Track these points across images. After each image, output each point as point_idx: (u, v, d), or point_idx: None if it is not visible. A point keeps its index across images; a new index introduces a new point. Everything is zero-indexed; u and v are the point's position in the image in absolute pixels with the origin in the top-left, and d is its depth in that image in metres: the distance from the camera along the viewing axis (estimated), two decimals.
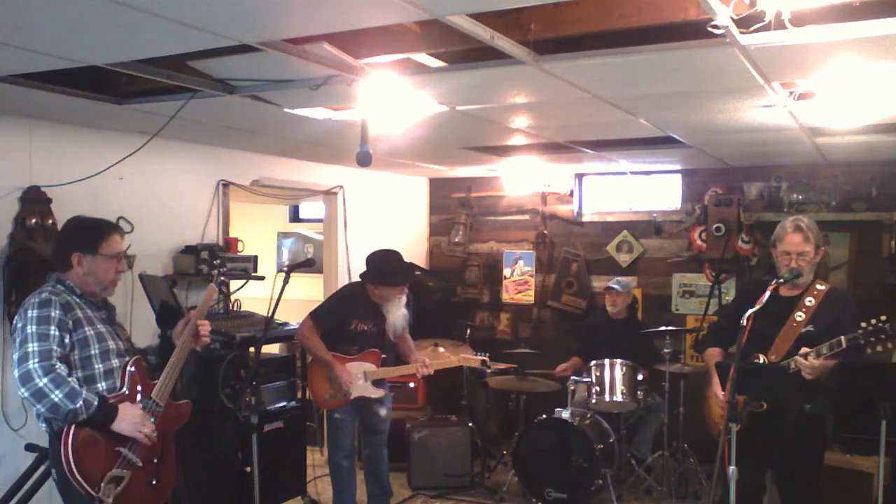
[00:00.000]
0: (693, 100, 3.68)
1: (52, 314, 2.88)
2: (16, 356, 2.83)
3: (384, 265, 4.66)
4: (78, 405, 2.80)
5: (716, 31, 2.46)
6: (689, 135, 4.75)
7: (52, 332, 2.85)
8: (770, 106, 3.73)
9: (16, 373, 2.81)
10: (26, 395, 2.79)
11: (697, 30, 2.53)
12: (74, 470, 2.81)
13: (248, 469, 4.04)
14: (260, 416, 3.68)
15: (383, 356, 4.76)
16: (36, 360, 2.78)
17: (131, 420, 2.93)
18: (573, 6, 2.61)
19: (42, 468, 3.59)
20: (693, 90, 3.46)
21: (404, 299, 4.73)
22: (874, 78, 3.17)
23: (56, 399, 2.76)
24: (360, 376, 4.65)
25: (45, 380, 2.77)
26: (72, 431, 2.83)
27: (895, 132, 4.53)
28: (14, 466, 3.88)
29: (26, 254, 3.97)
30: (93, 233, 3.07)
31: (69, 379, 2.83)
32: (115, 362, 3.04)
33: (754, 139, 4.80)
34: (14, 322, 2.92)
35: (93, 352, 2.97)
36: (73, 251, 3.01)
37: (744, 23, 2.44)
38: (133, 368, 3.06)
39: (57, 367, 2.81)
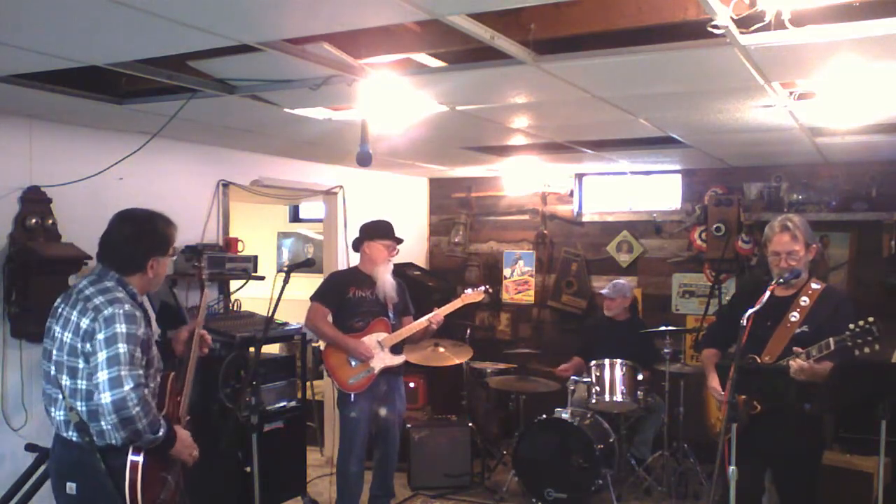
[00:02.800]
0: (693, 100, 3.68)
1: (139, 332, 2.69)
2: (105, 376, 2.60)
3: (377, 225, 4.87)
4: (160, 434, 2.69)
5: (716, 31, 2.46)
6: (689, 135, 4.75)
7: (137, 354, 2.67)
8: (770, 106, 3.73)
9: (107, 397, 2.59)
10: (115, 420, 2.60)
11: (697, 30, 2.53)
12: (139, 496, 2.69)
13: (248, 469, 4.03)
14: (260, 416, 3.67)
15: (392, 323, 4.79)
16: (130, 384, 2.60)
17: (187, 443, 2.89)
18: (573, 6, 2.61)
19: (42, 468, 3.59)
20: (693, 90, 3.46)
21: (391, 266, 4.82)
22: (874, 78, 3.16)
23: (140, 427, 2.63)
24: (376, 347, 4.66)
25: (137, 408, 2.61)
26: (142, 456, 2.71)
27: (895, 132, 4.53)
28: (14, 466, 3.88)
29: (26, 254, 3.97)
30: (167, 234, 2.92)
31: (153, 405, 2.69)
32: (158, 379, 2.92)
33: (754, 139, 4.80)
34: (85, 327, 2.67)
35: (151, 371, 2.82)
36: (151, 255, 2.84)
37: (744, 23, 2.44)
38: (172, 386, 2.97)
39: (146, 392, 2.67)
